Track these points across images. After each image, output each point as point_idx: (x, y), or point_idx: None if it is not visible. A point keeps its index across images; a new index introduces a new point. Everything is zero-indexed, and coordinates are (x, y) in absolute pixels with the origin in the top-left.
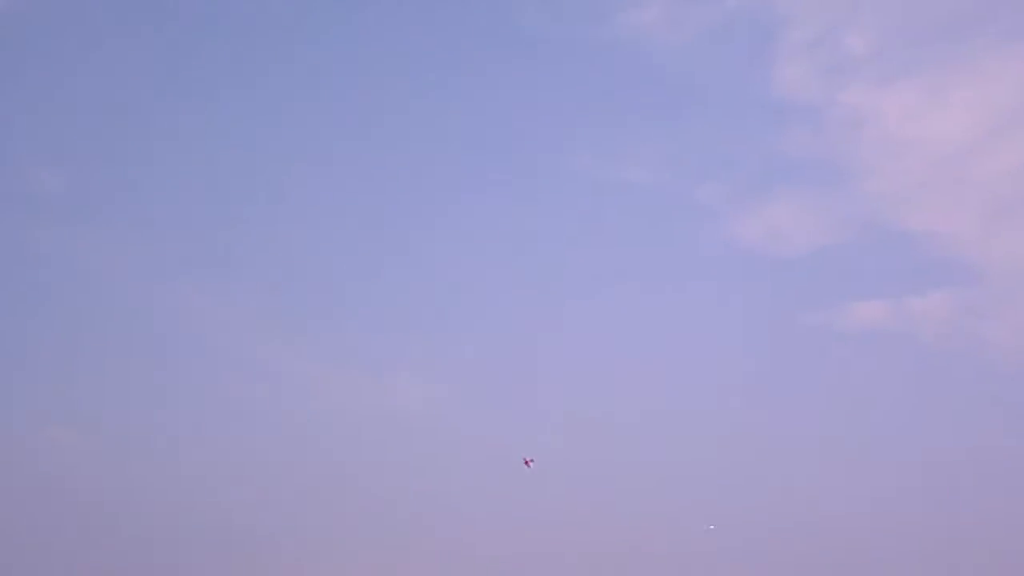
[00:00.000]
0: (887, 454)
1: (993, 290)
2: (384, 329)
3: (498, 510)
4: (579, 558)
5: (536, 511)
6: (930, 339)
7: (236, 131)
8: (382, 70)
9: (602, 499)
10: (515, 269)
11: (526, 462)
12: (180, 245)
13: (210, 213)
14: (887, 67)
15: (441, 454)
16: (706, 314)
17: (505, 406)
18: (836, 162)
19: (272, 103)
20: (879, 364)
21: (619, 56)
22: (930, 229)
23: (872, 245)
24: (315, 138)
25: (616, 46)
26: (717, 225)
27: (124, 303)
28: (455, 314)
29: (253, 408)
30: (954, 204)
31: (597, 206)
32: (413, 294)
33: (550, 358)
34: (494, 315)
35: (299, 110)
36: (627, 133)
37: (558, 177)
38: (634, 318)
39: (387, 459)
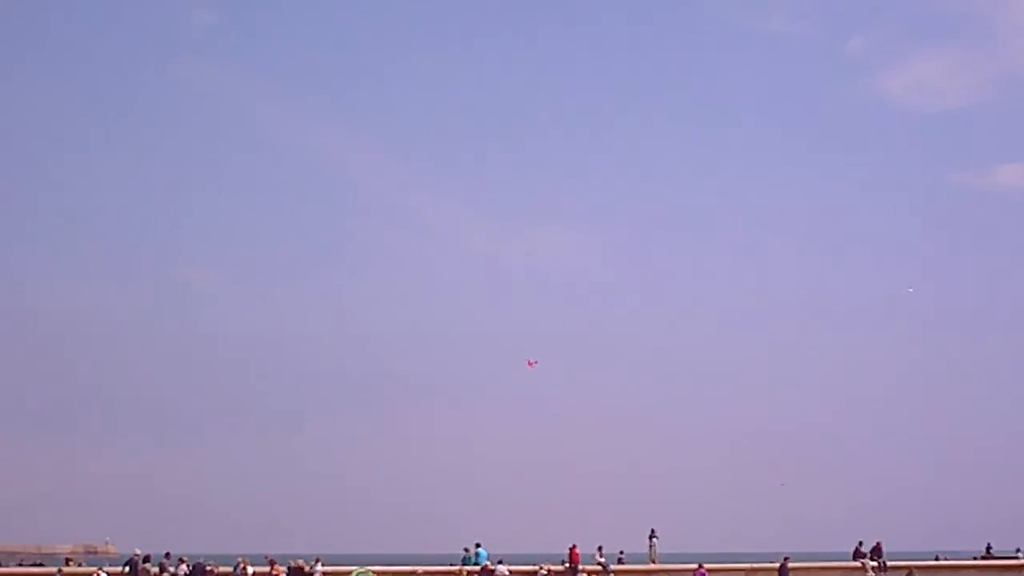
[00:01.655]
0: None
1: None
2: (532, 182)
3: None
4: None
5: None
6: None
7: None
8: None
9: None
10: (666, 121)
11: (529, 363)
12: (324, 90)
13: (356, 62)
14: None
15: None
16: (851, 169)
17: (653, 262)
18: (987, 18)
19: None
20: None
21: None
22: None
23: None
24: None
25: None
26: (863, 78)
27: (269, 141)
28: (605, 170)
29: (394, 253)
30: None
31: (741, 56)
32: (565, 148)
33: (701, 206)
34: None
35: None
36: None
37: (703, 27)
38: (777, 170)
39: (531, 311)
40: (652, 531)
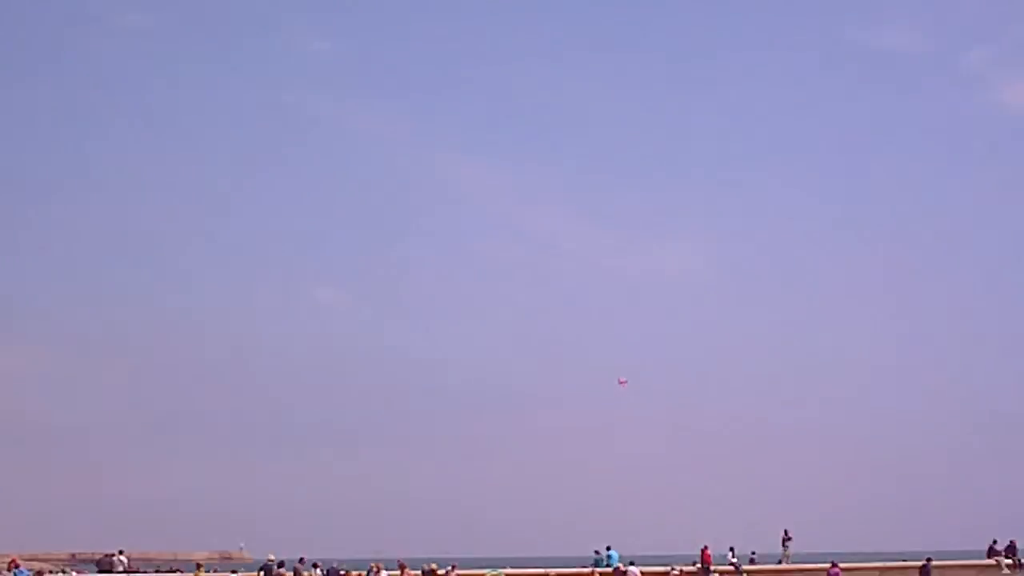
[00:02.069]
0: None
1: None
2: (655, 193)
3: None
4: None
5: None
6: None
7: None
8: None
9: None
10: (783, 133)
11: (621, 382)
12: (448, 112)
13: (481, 77)
14: None
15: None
16: (973, 179)
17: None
18: None
19: None
20: None
21: None
22: None
23: None
24: None
25: None
26: (984, 91)
27: (391, 167)
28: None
29: (521, 270)
30: None
31: (861, 72)
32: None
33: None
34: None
35: None
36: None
37: (824, 45)
38: (897, 186)
39: (649, 320)
40: (786, 532)
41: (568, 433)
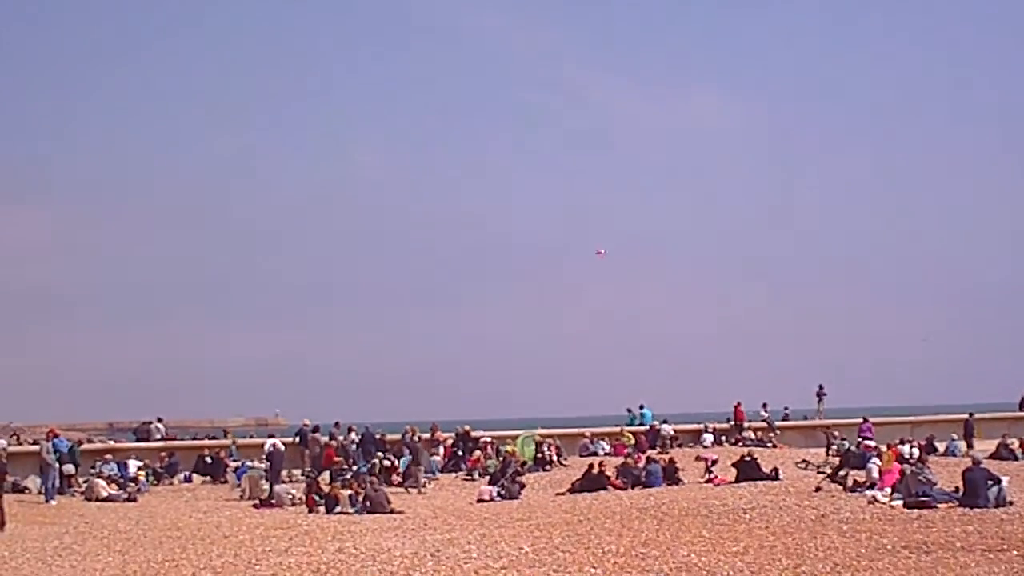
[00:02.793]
0: None
1: None
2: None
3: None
4: None
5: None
6: None
7: None
8: None
9: None
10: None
11: (598, 252)
12: None
13: None
14: None
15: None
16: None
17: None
18: None
19: None
20: None
21: None
22: None
23: None
24: None
25: None
26: None
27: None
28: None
29: (550, 118)
30: None
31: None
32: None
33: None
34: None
35: None
36: None
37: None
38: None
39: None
40: (820, 387)
41: (601, 289)
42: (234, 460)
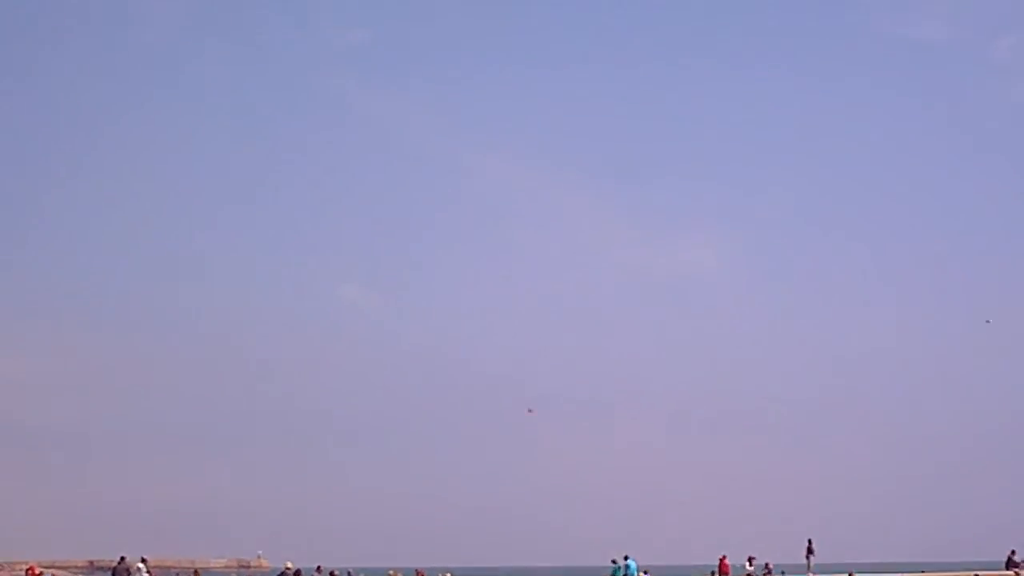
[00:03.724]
0: None
1: None
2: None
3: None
4: None
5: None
6: None
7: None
8: None
9: None
10: (807, 126)
11: (529, 411)
12: (479, 110)
13: (510, 78)
14: None
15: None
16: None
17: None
18: None
19: None
20: None
21: None
22: None
23: None
24: None
25: None
26: (1012, 82)
27: (424, 162)
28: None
29: (547, 259)
30: None
31: (889, 62)
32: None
33: (838, 207)
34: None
35: None
36: None
37: (852, 34)
38: (915, 174)
39: (674, 315)
40: (809, 542)
41: (582, 436)
42: None
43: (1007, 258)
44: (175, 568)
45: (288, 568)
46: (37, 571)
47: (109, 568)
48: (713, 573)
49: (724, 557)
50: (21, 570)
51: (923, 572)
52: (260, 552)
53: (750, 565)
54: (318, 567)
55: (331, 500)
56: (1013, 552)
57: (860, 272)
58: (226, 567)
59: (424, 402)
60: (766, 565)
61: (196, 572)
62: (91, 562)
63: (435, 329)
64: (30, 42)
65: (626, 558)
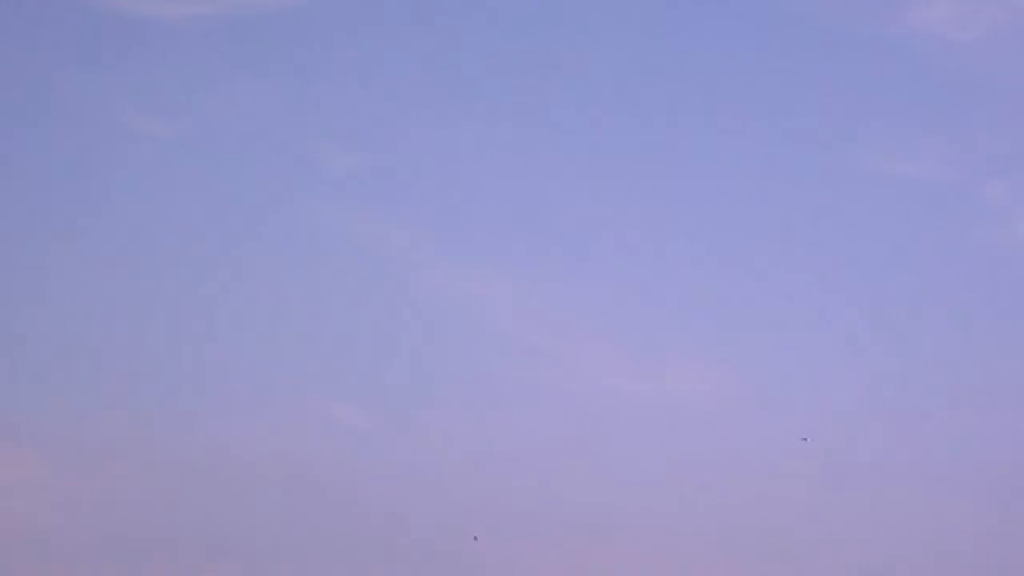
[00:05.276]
0: None
1: None
2: (663, 310)
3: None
4: None
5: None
6: None
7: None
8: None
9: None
10: (797, 259)
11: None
12: (472, 232)
13: (513, 200)
14: None
15: (722, 449)
16: (991, 320)
17: (792, 397)
18: None
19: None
20: None
21: (904, 51)
22: None
23: None
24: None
25: (901, 41)
26: (1004, 224)
27: (408, 285)
28: (738, 300)
29: (528, 392)
30: None
31: (879, 201)
32: (698, 279)
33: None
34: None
35: None
36: (911, 128)
37: (841, 172)
38: (908, 317)
39: (663, 448)
40: None
41: (577, 565)
42: None
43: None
44: None
45: None
46: None
47: None
48: None
49: None
50: None
51: None
52: None
53: None
54: None
55: None
56: None
57: (858, 398)
58: None
59: (420, 527)
60: None
61: None
62: None
63: (425, 450)
64: None
65: None
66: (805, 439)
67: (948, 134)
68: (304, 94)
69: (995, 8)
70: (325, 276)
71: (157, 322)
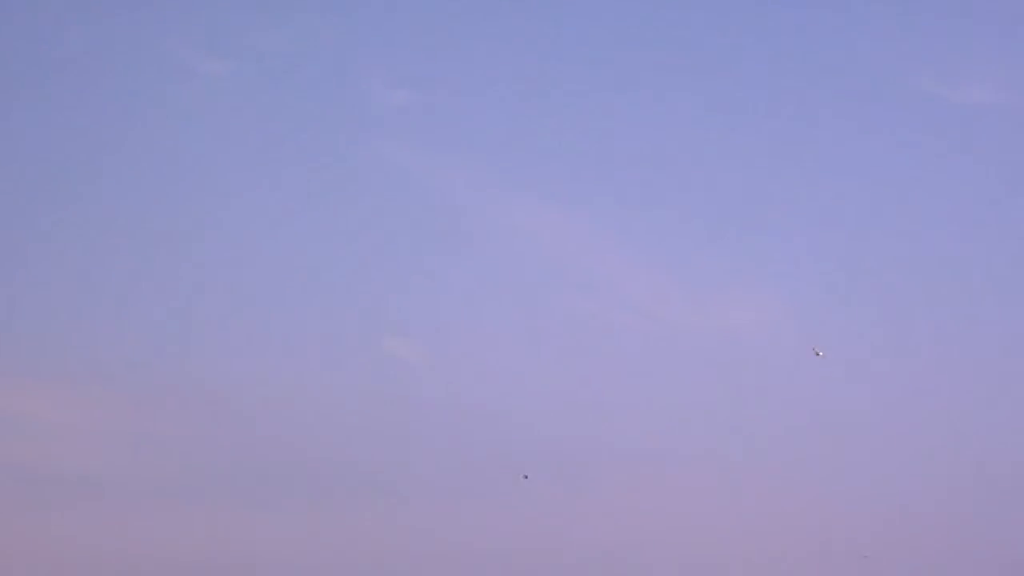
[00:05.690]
0: None
1: None
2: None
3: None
4: None
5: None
6: None
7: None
8: None
9: None
10: (853, 186)
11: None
12: (517, 162)
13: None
14: None
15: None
16: None
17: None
18: None
19: None
20: None
21: None
22: None
23: None
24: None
25: None
26: None
27: (460, 219)
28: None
29: (584, 322)
30: None
31: (939, 129)
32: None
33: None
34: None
35: None
36: (973, 52)
37: (896, 99)
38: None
39: (718, 380)
40: None
41: (627, 499)
42: None
43: None
44: None
45: None
46: None
47: None
48: None
49: None
50: None
51: None
52: None
53: None
54: None
55: (358, 557)
56: None
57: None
58: None
59: (463, 457)
60: None
61: None
62: None
63: (473, 382)
64: None
65: None
66: (818, 353)
67: (1010, 57)
68: (356, 32)
69: None
70: (378, 211)
71: (212, 259)
